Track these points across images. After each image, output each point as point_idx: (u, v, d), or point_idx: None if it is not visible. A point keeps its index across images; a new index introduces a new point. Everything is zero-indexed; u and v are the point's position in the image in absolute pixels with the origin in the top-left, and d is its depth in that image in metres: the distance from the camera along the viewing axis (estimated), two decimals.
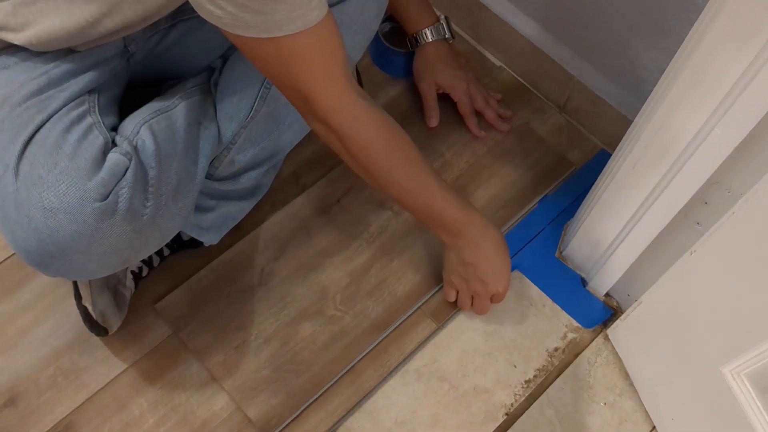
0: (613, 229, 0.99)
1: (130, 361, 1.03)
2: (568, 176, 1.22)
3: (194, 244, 1.08)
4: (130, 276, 1.02)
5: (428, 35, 1.20)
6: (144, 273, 1.05)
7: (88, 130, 0.82)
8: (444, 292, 1.08)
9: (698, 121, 0.75)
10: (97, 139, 0.81)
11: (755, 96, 0.68)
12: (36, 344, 1.04)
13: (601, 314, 1.11)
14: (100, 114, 0.85)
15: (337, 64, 0.79)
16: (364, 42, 1.02)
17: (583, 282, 1.13)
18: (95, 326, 0.98)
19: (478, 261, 1.00)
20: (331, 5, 0.95)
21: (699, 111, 0.74)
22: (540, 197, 1.20)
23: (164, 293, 1.08)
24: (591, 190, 1.03)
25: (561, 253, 1.15)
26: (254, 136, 0.97)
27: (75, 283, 0.97)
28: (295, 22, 0.70)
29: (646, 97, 0.85)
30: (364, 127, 0.85)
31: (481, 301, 1.04)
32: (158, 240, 0.88)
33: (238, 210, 1.07)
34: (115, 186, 0.79)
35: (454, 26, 1.37)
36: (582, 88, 1.22)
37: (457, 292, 1.06)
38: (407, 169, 0.91)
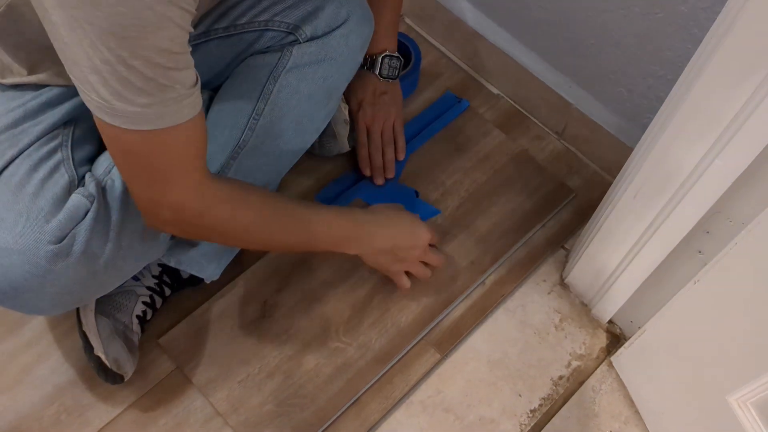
0: (615, 257, 0.99)
1: (134, 397, 1.03)
2: (568, 203, 1.23)
3: (194, 281, 1.08)
4: (135, 321, 1.02)
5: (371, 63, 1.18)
6: (148, 316, 1.05)
7: (55, 169, 0.82)
8: (399, 286, 1.07)
9: (699, 152, 0.75)
10: (62, 178, 0.81)
11: (755, 129, 0.68)
12: (39, 382, 1.03)
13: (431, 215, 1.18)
14: (72, 148, 0.85)
15: (200, 159, 0.78)
16: (349, 73, 1.03)
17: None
18: (110, 375, 0.97)
19: (391, 244, 1.01)
20: (315, 38, 0.96)
21: (699, 143, 0.75)
22: (540, 224, 1.20)
23: (167, 328, 1.07)
24: (592, 218, 1.04)
25: (564, 279, 1.15)
26: (244, 168, 0.97)
27: (84, 335, 0.97)
28: (164, 117, 0.69)
29: (644, 125, 0.86)
30: (227, 209, 0.83)
31: (416, 268, 1.06)
32: (118, 280, 0.89)
33: None
34: (73, 229, 0.79)
35: (452, 56, 1.39)
36: (580, 115, 1.22)
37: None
38: (282, 227, 0.91)
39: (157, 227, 0.84)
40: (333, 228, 0.96)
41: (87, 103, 0.68)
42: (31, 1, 0.63)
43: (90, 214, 0.80)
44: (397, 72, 1.19)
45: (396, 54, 1.18)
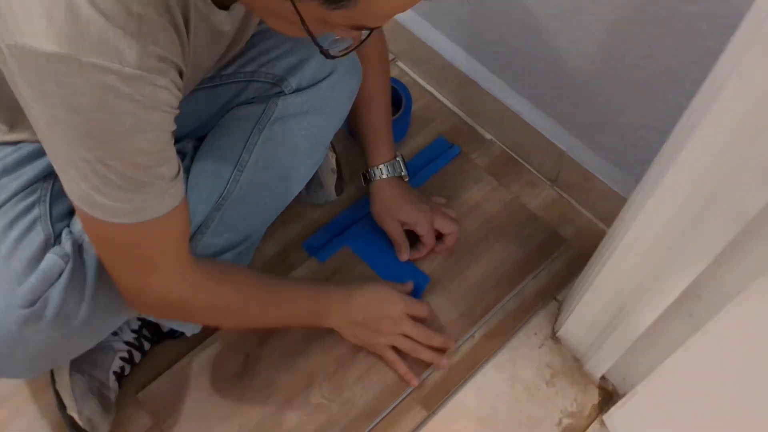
0: (605, 315, 0.96)
1: None
2: (561, 252, 1.20)
3: (174, 334, 1.05)
4: (113, 377, 0.99)
5: (383, 171, 1.12)
6: (126, 372, 1.02)
7: (31, 227, 0.80)
8: (386, 362, 1.06)
9: (689, 215, 0.73)
10: (38, 236, 0.79)
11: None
12: None
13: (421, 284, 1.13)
14: (51, 202, 0.84)
15: (182, 246, 0.79)
16: (337, 123, 1.01)
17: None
18: None
19: (363, 315, 1.01)
20: (301, 89, 0.95)
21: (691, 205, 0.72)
22: (532, 275, 1.17)
23: (146, 382, 1.05)
24: (585, 270, 1.01)
25: (555, 333, 1.12)
26: (228, 219, 0.94)
27: (57, 393, 0.95)
28: (145, 211, 0.69)
29: (637, 174, 0.83)
30: (210, 293, 0.85)
31: (398, 340, 1.03)
32: (94, 340, 0.88)
33: None
34: (46, 291, 0.77)
35: (445, 100, 1.37)
36: (573, 163, 1.20)
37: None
38: (261, 304, 0.93)
39: (139, 310, 0.84)
40: (307, 301, 0.97)
41: (68, 192, 0.68)
42: (11, 86, 0.62)
43: (64, 275, 0.78)
44: (402, 169, 1.14)
45: (397, 159, 1.14)
